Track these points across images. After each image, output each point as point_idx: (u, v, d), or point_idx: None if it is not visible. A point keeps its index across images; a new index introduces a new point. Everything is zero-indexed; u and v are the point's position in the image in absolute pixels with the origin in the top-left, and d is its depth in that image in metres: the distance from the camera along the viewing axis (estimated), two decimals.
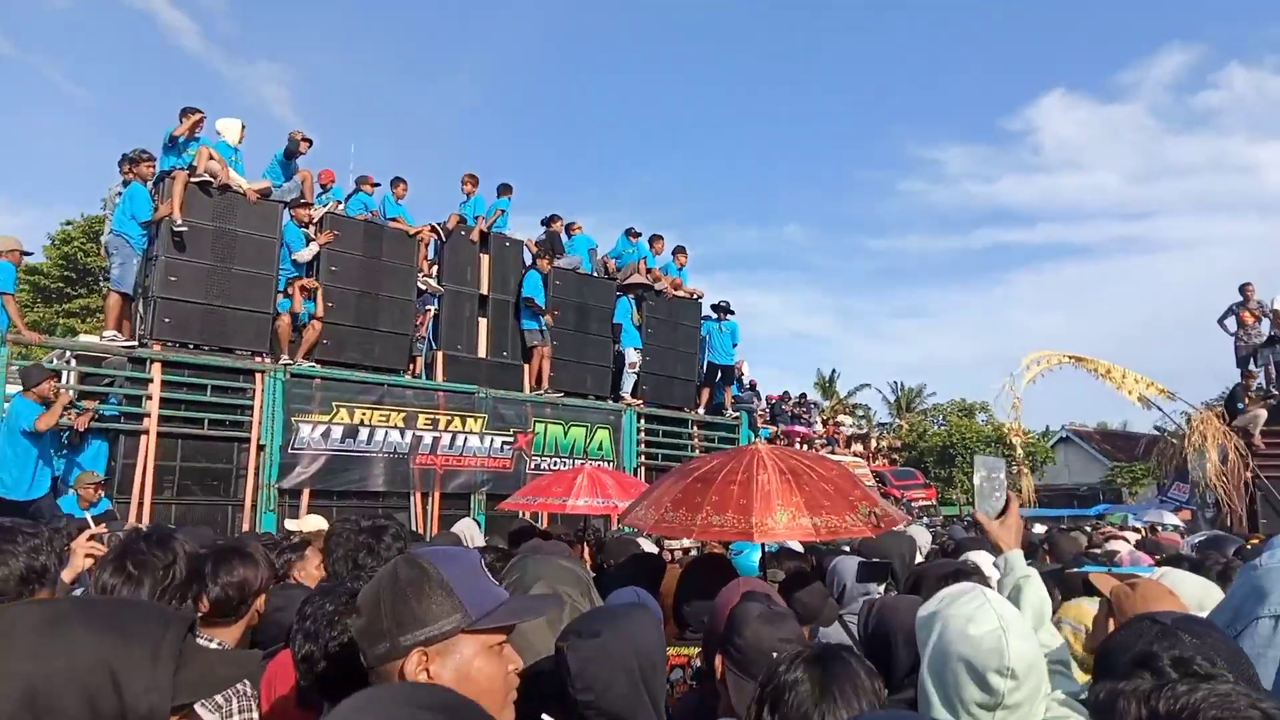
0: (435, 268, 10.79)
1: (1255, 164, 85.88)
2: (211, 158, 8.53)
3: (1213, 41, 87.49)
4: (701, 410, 13.27)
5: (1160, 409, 13.73)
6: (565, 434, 11.15)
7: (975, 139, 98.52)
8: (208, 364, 8.56)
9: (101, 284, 28.50)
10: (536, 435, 10.80)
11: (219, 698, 2.05)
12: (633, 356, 12.11)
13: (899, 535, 3.99)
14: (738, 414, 13.81)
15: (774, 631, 1.87)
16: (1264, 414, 12.53)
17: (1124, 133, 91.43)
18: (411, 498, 9.64)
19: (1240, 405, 12.87)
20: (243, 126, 9.29)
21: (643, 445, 12.03)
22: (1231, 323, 13.24)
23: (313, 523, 6.09)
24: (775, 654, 1.82)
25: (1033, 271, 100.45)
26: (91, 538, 2.52)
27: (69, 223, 28.06)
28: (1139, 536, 9.02)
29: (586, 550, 6.48)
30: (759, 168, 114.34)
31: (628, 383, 12.08)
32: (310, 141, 9.56)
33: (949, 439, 35.75)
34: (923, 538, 5.87)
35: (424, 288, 10.43)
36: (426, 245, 10.66)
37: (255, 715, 2.16)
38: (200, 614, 2.29)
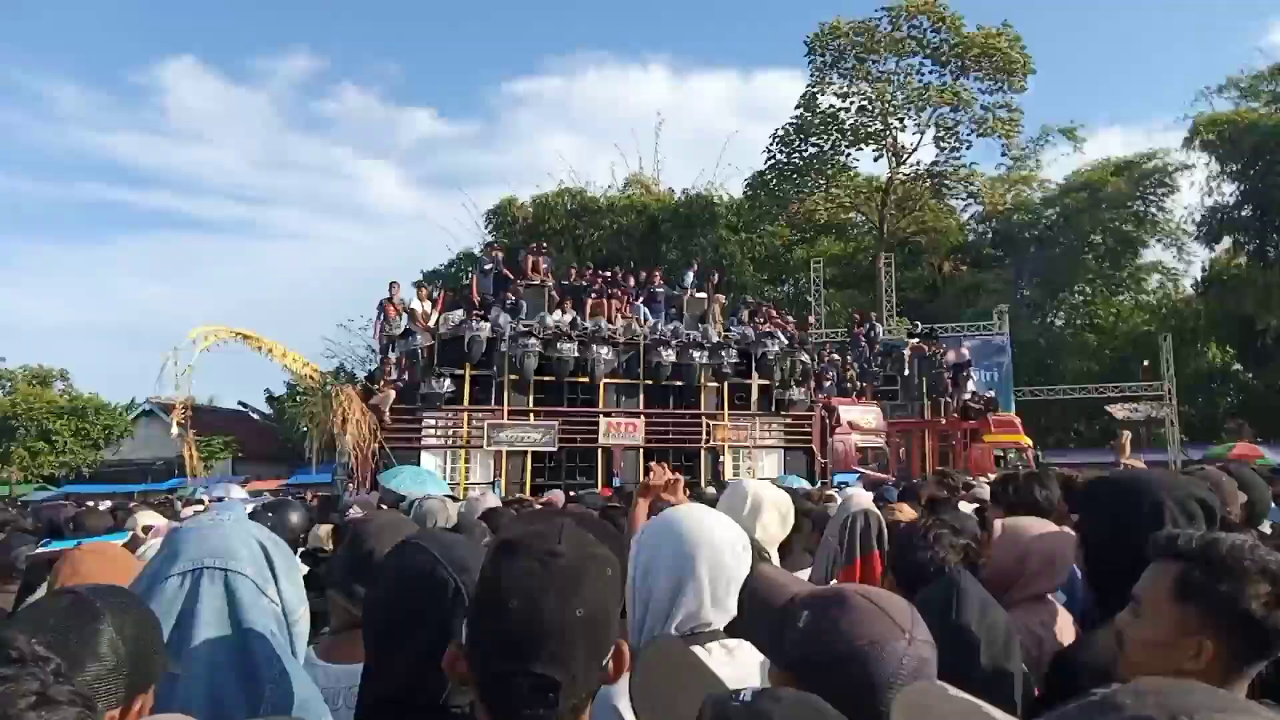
0: None
1: (358, 175, 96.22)
2: None
3: (335, 57, 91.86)
4: None
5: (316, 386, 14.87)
6: None
7: (96, 82, 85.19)
8: None
9: None
10: None
11: None
12: None
13: None
14: None
15: None
16: (393, 394, 14.74)
17: (250, 118, 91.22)
18: None
19: (376, 387, 14.93)
20: None
21: None
22: (380, 315, 15.18)
23: None
24: None
25: (143, 237, 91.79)
26: None
27: None
28: None
29: None
30: None
31: None
32: None
33: (13, 409, 30.25)
34: None
35: None
36: None
37: None
38: None
